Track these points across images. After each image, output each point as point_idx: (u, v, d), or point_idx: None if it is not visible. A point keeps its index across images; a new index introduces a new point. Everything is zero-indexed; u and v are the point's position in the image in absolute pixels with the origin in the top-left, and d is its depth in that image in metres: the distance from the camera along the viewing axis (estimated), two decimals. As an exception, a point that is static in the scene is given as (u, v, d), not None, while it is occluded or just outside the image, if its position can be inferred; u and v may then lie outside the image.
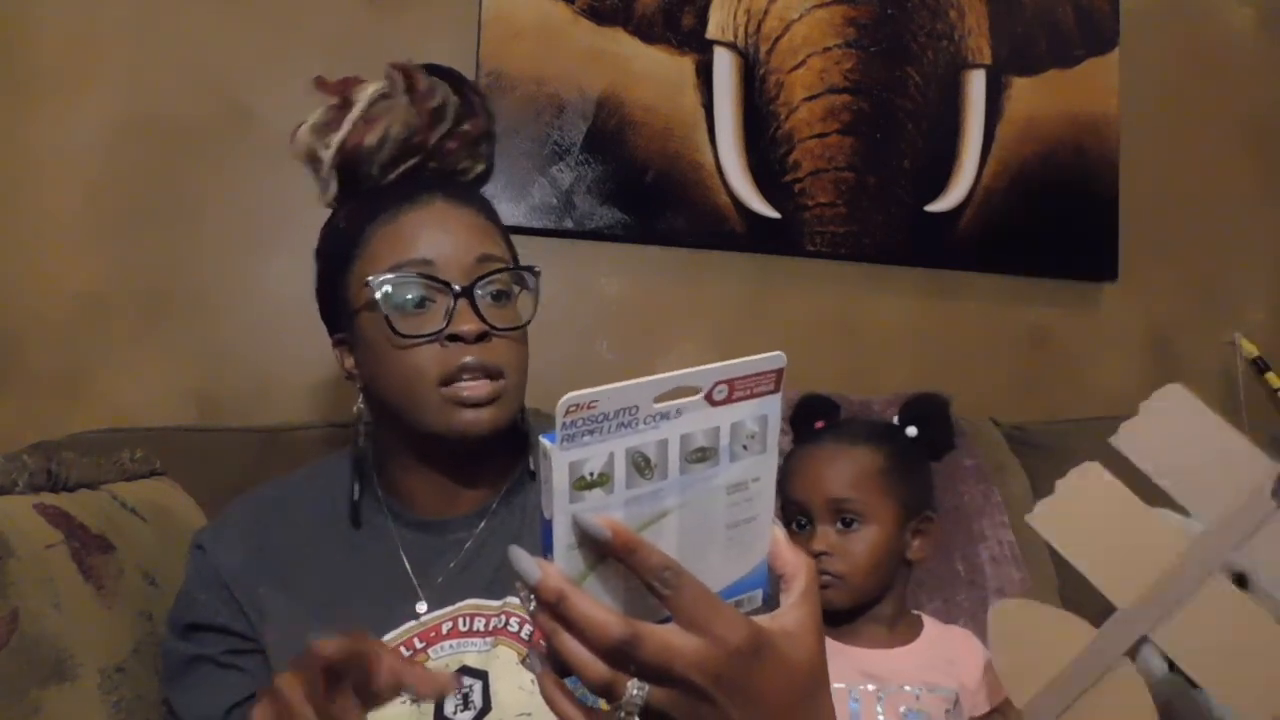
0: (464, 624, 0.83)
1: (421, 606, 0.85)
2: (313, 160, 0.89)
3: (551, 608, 0.46)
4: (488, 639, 0.83)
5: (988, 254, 1.72)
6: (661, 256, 1.59)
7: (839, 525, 1.08)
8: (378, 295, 0.83)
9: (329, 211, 0.93)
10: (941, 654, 1.09)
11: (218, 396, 1.40)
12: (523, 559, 0.46)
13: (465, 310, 0.82)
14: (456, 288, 0.82)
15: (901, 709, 1.04)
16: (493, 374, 0.83)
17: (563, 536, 0.46)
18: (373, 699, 0.59)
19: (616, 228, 1.54)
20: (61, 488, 0.91)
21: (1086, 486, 1.00)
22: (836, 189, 1.63)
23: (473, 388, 0.82)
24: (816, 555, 1.06)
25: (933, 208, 1.68)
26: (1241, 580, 1.01)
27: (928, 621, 1.14)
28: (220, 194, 1.41)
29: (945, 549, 1.37)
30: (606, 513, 0.46)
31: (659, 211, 1.56)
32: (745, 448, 0.50)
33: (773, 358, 0.49)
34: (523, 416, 0.92)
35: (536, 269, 0.90)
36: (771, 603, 0.53)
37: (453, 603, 0.85)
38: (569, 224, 1.52)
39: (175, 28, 1.40)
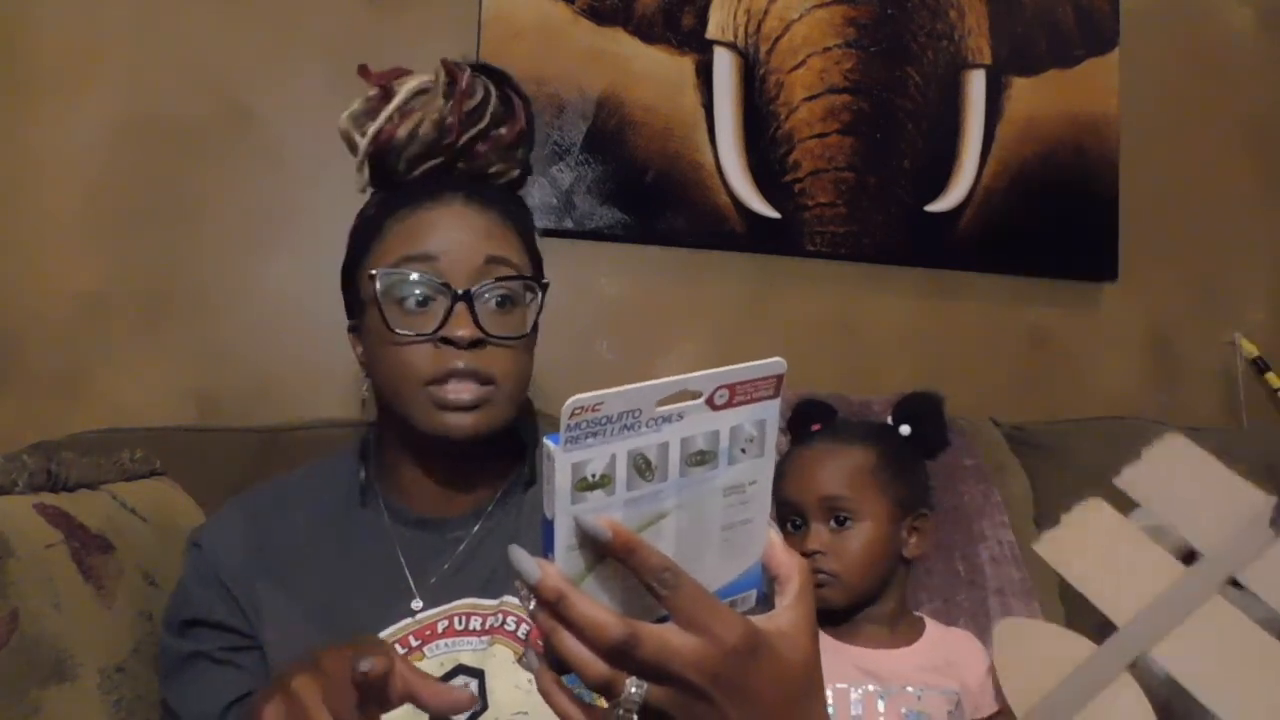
0: (460, 623, 0.84)
1: (417, 604, 0.85)
2: (350, 146, 0.89)
3: (551, 607, 0.46)
4: (483, 638, 0.83)
5: (988, 254, 1.72)
6: (661, 256, 1.59)
7: (832, 524, 1.09)
8: (379, 289, 0.83)
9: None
10: (943, 655, 1.09)
11: (218, 396, 1.40)
12: (523, 558, 0.46)
13: (463, 314, 0.82)
14: (457, 290, 0.82)
15: (903, 710, 1.04)
16: (483, 379, 0.83)
17: (563, 537, 0.46)
18: (380, 706, 0.59)
19: (616, 228, 1.54)
20: (61, 488, 0.91)
21: (1090, 519, 1.02)
22: (836, 189, 1.63)
23: (458, 391, 0.82)
24: (810, 554, 1.06)
25: (933, 208, 1.68)
26: (1234, 584, 1.02)
27: (929, 623, 1.14)
28: (220, 194, 1.41)
29: (945, 549, 1.37)
30: (607, 513, 0.46)
31: (659, 211, 1.56)
32: (744, 451, 0.50)
33: (773, 364, 0.50)
34: (524, 418, 0.92)
35: (545, 281, 0.90)
36: (766, 603, 0.53)
37: (448, 601, 0.85)
38: (569, 224, 1.52)
39: (175, 28, 1.40)
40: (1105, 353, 1.82)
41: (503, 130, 0.89)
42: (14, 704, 0.73)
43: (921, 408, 1.18)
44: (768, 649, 0.49)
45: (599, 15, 1.54)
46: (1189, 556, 1.02)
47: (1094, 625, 1.02)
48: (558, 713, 0.50)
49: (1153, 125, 1.84)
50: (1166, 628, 0.95)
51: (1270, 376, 1.86)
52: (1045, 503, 1.52)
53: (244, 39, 1.43)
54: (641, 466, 0.47)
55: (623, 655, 0.46)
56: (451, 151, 0.87)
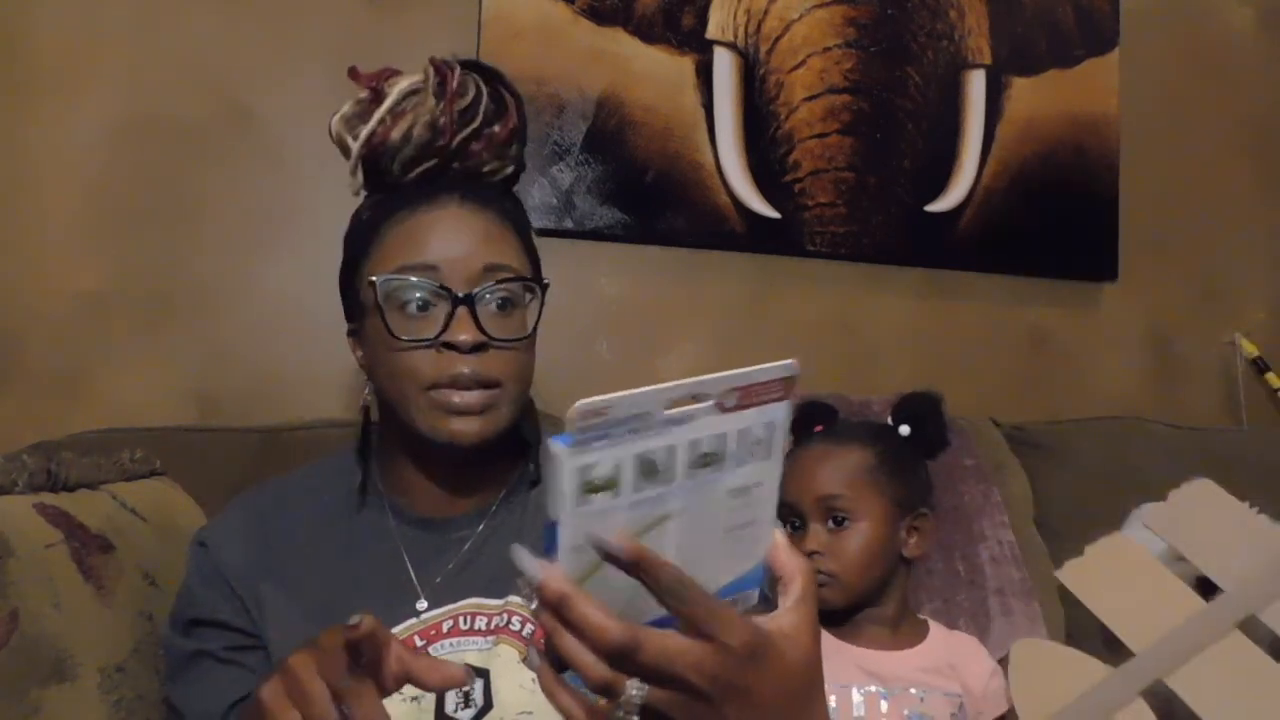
0: (465, 622, 0.84)
1: (422, 604, 0.85)
2: (343, 149, 0.89)
3: (553, 609, 0.46)
4: (489, 638, 0.83)
5: (988, 254, 1.72)
6: (661, 256, 1.59)
7: (830, 524, 1.09)
8: (380, 295, 0.83)
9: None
10: (946, 658, 1.09)
11: (218, 396, 1.40)
12: (526, 559, 0.46)
13: (464, 319, 0.82)
14: (458, 295, 0.82)
15: (906, 711, 1.04)
16: (487, 384, 0.83)
17: (567, 538, 0.46)
18: (378, 682, 0.59)
19: (616, 228, 1.54)
20: (61, 488, 0.91)
21: (1114, 551, 1.03)
22: (836, 189, 1.63)
23: (463, 396, 0.82)
24: (809, 555, 1.06)
25: (933, 208, 1.68)
26: (1207, 585, 1.02)
27: (933, 625, 1.14)
28: (220, 194, 1.41)
29: (945, 549, 1.37)
30: (612, 515, 0.46)
31: (659, 211, 1.56)
32: (751, 453, 0.50)
33: (785, 366, 0.49)
34: (526, 418, 0.92)
35: (545, 282, 0.89)
36: (767, 603, 0.53)
37: (453, 601, 0.85)
38: (569, 224, 1.52)
39: (175, 28, 1.40)
40: (1105, 353, 1.82)
41: (496, 128, 0.89)
42: (14, 704, 0.73)
43: (921, 408, 1.18)
44: (770, 650, 0.49)
45: (599, 15, 1.54)
46: (1200, 583, 1.02)
47: (1096, 627, 1.02)
48: (561, 711, 0.50)
49: (1153, 125, 1.84)
50: (1184, 657, 0.96)
51: (1270, 376, 1.86)
52: (1045, 503, 1.52)
53: (244, 39, 1.43)
54: (648, 470, 0.46)
55: (624, 658, 0.46)
56: (445, 152, 0.87)
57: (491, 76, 0.90)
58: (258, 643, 0.85)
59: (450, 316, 0.82)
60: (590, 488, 0.45)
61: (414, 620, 0.84)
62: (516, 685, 0.80)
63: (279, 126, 1.44)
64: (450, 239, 0.84)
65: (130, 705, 0.84)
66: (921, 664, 1.08)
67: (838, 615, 1.10)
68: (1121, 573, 1.03)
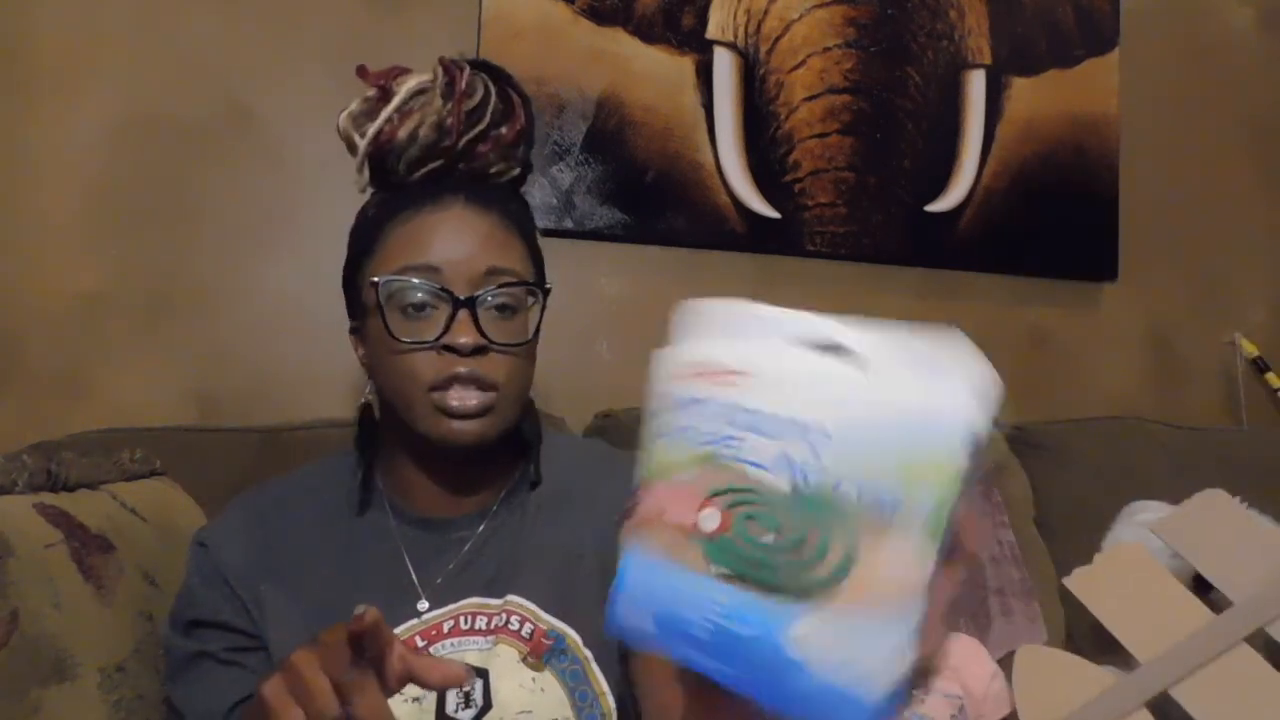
0: (465, 622, 0.84)
1: (423, 605, 0.85)
2: (350, 147, 0.89)
3: None
4: (489, 637, 0.83)
5: (988, 254, 1.72)
6: (661, 256, 1.59)
7: None
8: (381, 296, 0.83)
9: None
10: (947, 660, 1.09)
11: (218, 396, 1.40)
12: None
13: (465, 321, 0.82)
14: (459, 297, 0.82)
15: (906, 712, 1.04)
16: (485, 385, 0.83)
17: None
18: (381, 680, 0.59)
19: (616, 228, 1.54)
20: (61, 488, 0.91)
21: (1124, 561, 1.02)
22: (836, 189, 1.63)
23: (462, 397, 0.82)
24: None
25: (933, 208, 1.69)
26: (1203, 583, 1.02)
27: None
28: (220, 194, 1.41)
29: (945, 549, 1.37)
30: None
31: (659, 211, 1.56)
32: None
33: None
34: (527, 419, 0.92)
35: (547, 286, 0.89)
36: None
37: (454, 601, 0.85)
38: (569, 224, 1.52)
39: (175, 28, 1.40)
40: (1105, 353, 1.82)
41: (503, 130, 0.89)
42: (14, 704, 0.72)
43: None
44: None
45: (599, 15, 1.54)
46: (1200, 586, 1.02)
47: (1096, 628, 1.02)
48: None
49: (1153, 125, 1.85)
50: (1190, 668, 0.95)
51: (1270, 376, 1.86)
52: (1045, 503, 1.52)
53: (244, 39, 1.43)
54: None
55: None
56: (451, 153, 0.87)
57: (500, 77, 0.90)
58: (258, 643, 0.85)
59: (451, 319, 0.82)
60: None
61: (415, 620, 0.84)
62: (516, 685, 0.80)
63: (279, 126, 1.44)
64: (453, 241, 0.84)
65: (130, 705, 0.84)
66: (922, 665, 1.08)
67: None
68: (1130, 582, 1.02)
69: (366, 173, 0.89)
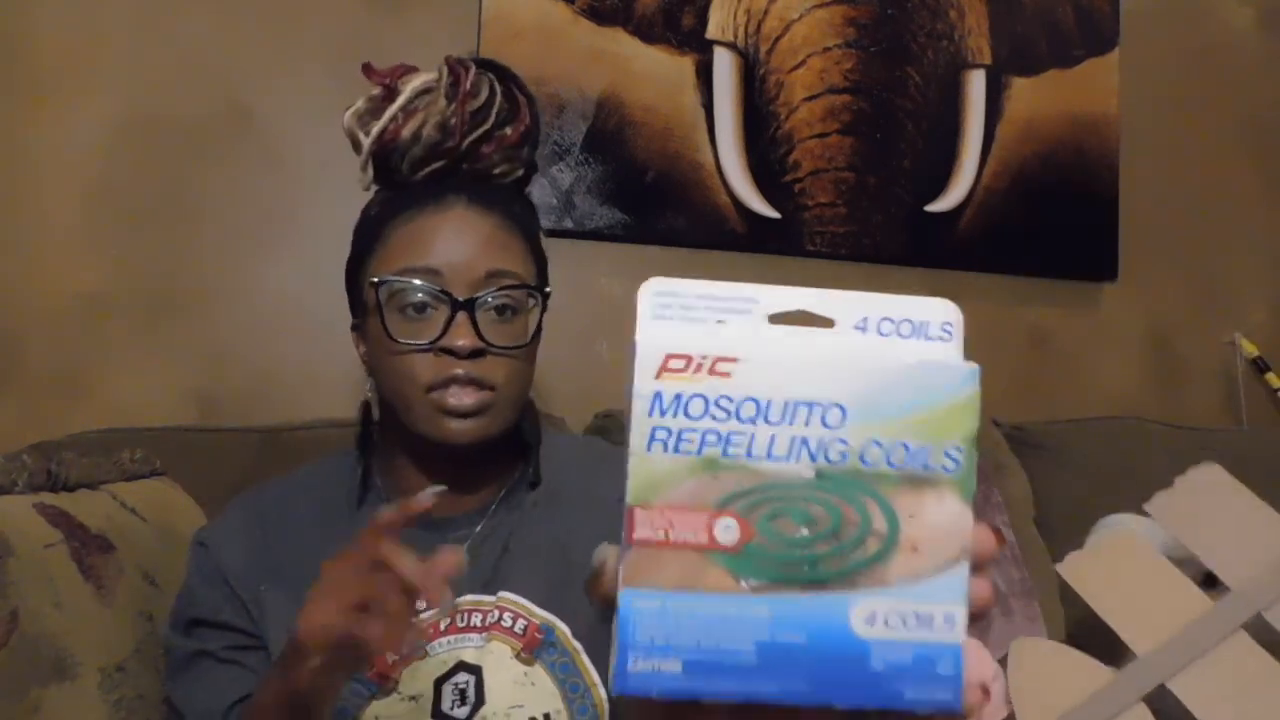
0: (461, 620, 0.84)
1: (422, 604, 0.85)
2: (355, 145, 0.89)
3: None
4: (482, 634, 0.83)
5: (988, 254, 1.72)
6: (661, 256, 1.59)
7: None
8: (381, 297, 0.83)
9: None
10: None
11: (218, 396, 1.40)
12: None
13: (463, 324, 0.82)
14: (458, 299, 0.82)
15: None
16: (483, 386, 0.83)
17: None
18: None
19: (616, 228, 1.54)
20: (61, 488, 0.91)
21: (1118, 546, 1.01)
22: (836, 189, 1.63)
23: (459, 397, 0.82)
24: None
25: (933, 208, 1.69)
26: (1211, 580, 1.01)
27: None
28: (220, 194, 1.41)
29: (945, 549, 1.37)
30: None
31: (659, 211, 1.56)
32: None
33: None
34: (526, 420, 0.92)
35: (547, 290, 0.89)
36: None
37: (451, 599, 0.85)
38: (569, 224, 1.52)
39: (175, 28, 1.40)
40: (1105, 353, 1.82)
41: (507, 130, 0.89)
42: (14, 703, 0.73)
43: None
44: None
45: (599, 15, 1.54)
46: (1207, 579, 1.01)
47: (1095, 626, 1.01)
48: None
49: (1153, 125, 1.84)
50: (1187, 660, 0.94)
51: (1270, 376, 1.86)
52: (1045, 503, 1.52)
53: (244, 39, 1.43)
54: None
55: None
56: (454, 154, 0.86)
57: (506, 76, 0.90)
58: (258, 643, 0.85)
59: (450, 321, 0.82)
60: None
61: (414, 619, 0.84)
62: (509, 681, 0.81)
63: (279, 126, 1.44)
64: (454, 242, 0.84)
65: (130, 705, 0.84)
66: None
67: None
68: (1124, 569, 1.01)
69: (370, 171, 0.89)
